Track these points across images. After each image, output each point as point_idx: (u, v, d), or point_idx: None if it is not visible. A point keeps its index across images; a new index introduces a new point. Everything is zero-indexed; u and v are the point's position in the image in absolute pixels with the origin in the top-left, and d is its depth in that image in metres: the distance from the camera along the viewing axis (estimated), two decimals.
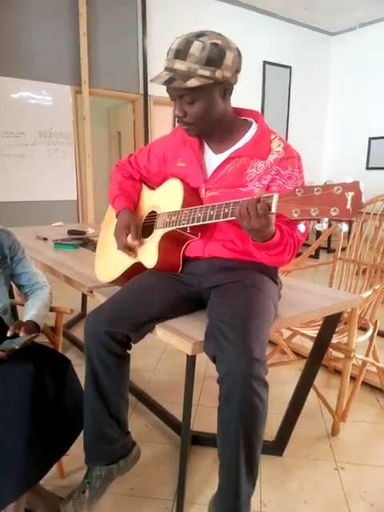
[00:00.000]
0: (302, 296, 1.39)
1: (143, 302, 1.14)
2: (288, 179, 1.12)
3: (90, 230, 2.57)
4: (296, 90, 5.98)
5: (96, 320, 1.12)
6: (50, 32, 3.96)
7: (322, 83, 6.32)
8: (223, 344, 0.95)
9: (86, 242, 2.23)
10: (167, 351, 2.43)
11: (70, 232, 2.48)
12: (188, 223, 1.12)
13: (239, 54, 1.08)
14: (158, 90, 4.70)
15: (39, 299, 1.40)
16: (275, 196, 0.90)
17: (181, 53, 1.02)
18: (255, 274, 1.17)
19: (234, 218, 0.98)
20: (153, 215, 1.31)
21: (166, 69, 1.06)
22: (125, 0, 4.36)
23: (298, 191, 0.86)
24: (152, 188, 1.41)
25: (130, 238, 1.26)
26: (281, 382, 2.06)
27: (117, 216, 1.33)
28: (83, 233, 2.49)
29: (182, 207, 1.16)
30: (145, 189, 1.42)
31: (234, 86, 1.13)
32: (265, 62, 5.58)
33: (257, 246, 1.04)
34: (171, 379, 2.13)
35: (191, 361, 1.11)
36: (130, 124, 4.90)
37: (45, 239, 2.31)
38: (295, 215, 0.86)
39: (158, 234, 1.22)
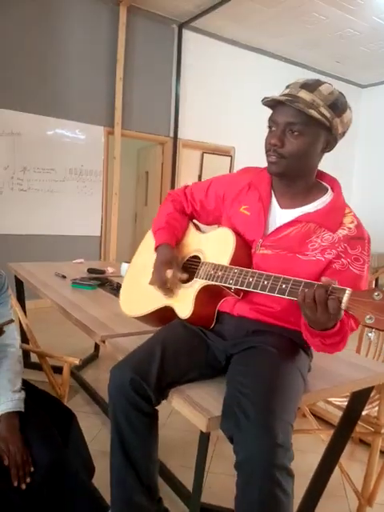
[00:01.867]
0: (329, 364, 1.26)
1: (169, 362, 1.05)
2: (354, 260, 1.02)
3: (110, 270, 2.52)
4: None
5: (120, 373, 1.03)
6: (88, 75, 4.15)
7: (351, 134, 6.29)
8: (242, 423, 0.84)
9: (104, 283, 2.18)
10: None
11: (90, 270, 2.45)
12: (235, 285, 1.02)
13: (351, 121, 1.06)
14: (188, 134, 4.81)
15: (8, 376, 1.22)
16: (347, 293, 0.81)
17: (309, 86, 1.01)
18: (285, 342, 1.07)
19: (291, 298, 0.89)
20: (195, 260, 1.22)
21: (286, 94, 1.01)
22: (161, 47, 4.56)
23: (377, 295, 0.76)
24: (199, 229, 1.33)
25: (170, 274, 1.17)
26: (300, 449, 1.88)
27: (156, 249, 1.26)
28: (102, 272, 2.45)
29: (231, 263, 1.08)
30: (192, 228, 1.34)
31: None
32: None
33: (311, 333, 0.94)
34: (181, 438, 1.98)
35: (205, 438, 0.99)
36: (159, 165, 4.99)
37: (63, 277, 2.28)
38: (369, 321, 0.76)
39: (197, 283, 1.14)
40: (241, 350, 1.08)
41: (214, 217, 1.29)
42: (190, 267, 1.22)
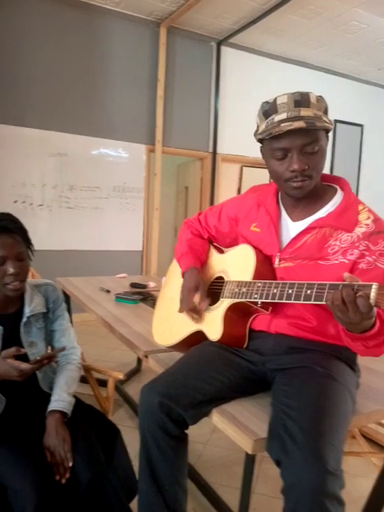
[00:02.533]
0: (380, 382, 1.20)
1: (200, 379, 1.03)
2: (380, 256, 0.98)
3: (152, 284, 2.56)
4: (368, 148, 5.85)
5: (150, 394, 1.03)
6: (130, 96, 4.30)
7: None
8: (289, 447, 0.80)
9: (146, 297, 2.22)
10: None
11: (132, 285, 2.50)
12: (260, 298, 1.01)
13: None
14: (226, 148, 4.84)
15: (64, 379, 1.29)
16: (374, 288, 0.78)
17: (302, 102, 1.00)
18: (330, 360, 1.02)
19: (318, 302, 0.87)
20: (219, 281, 1.23)
21: (290, 119, 0.98)
22: (200, 64, 4.64)
23: None
24: (220, 250, 1.34)
25: (197, 299, 1.17)
26: (350, 473, 1.78)
27: (183, 275, 1.26)
28: (144, 286, 2.49)
29: (254, 277, 1.07)
30: (213, 250, 1.36)
31: None
32: (336, 121, 5.56)
33: (351, 337, 0.91)
34: (225, 456, 1.94)
35: (250, 459, 0.97)
36: (198, 180, 5.05)
37: (108, 291, 2.34)
38: None
39: (224, 303, 1.13)
40: (283, 369, 1.05)
41: (231, 239, 1.30)
42: (216, 289, 1.22)
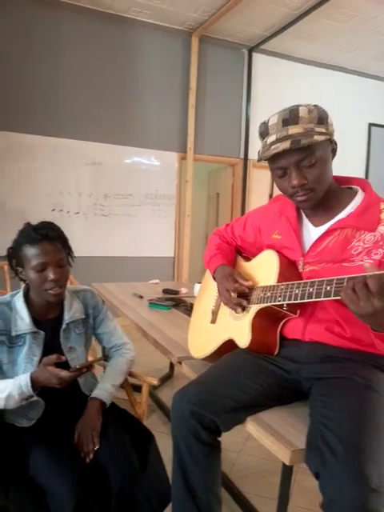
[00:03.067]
0: None
1: (232, 385, 1.03)
2: None
3: (184, 290, 2.58)
4: None
5: (182, 401, 1.03)
6: (162, 105, 4.37)
7: None
8: (329, 460, 0.78)
9: (178, 303, 2.24)
10: None
11: (165, 291, 2.52)
12: (284, 300, 1.01)
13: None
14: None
15: (113, 369, 1.36)
16: None
17: (290, 120, 1.01)
18: (368, 369, 0.99)
19: (338, 297, 0.86)
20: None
21: (278, 140, 1.00)
22: (232, 72, 4.66)
23: None
24: (247, 259, 1.35)
25: (237, 283, 1.16)
26: None
27: (214, 274, 1.28)
28: (177, 292, 2.51)
29: (278, 281, 1.07)
30: (239, 259, 1.37)
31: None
32: (370, 125, 5.41)
33: (380, 337, 0.89)
34: (259, 465, 1.91)
35: (288, 470, 0.95)
36: (229, 186, 5.05)
37: (141, 297, 2.37)
38: None
39: (251, 310, 1.13)
40: (320, 378, 1.02)
41: (256, 249, 1.30)
42: (244, 297, 1.21)
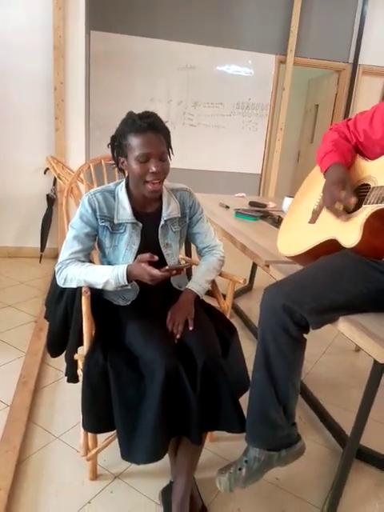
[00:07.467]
0: None
1: (330, 286, 0.99)
2: None
3: (271, 204, 2.49)
4: None
5: (276, 294, 1.02)
6: (263, 1, 3.89)
7: None
8: None
9: (265, 216, 2.17)
10: (334, 346, 2.21)
11: (252, 203, 2.46)
12: None
13: None
14: (370, 59, 4.18)
15: (206, 266, 1.39)
16: None
17: None
18: None
19: None
20: (364, 189, 1.11)
21: None
22: None
23: None
24: (368, 158, 1.20)
25: (343, 195, 1.07)
26: None
27: (325, 173, 1.17)
28: (264, 206, 2.43)
29: None
30: (359, 158, 1.22)
31: None
32: None
33: None
34: (333, 377, 1.93)
35: (378, 370, 0.92)
36: (331, 97, 4.53)
37: (227, 207, 2.34)
38: None
39: (367, 209, 1.03)
40: None
41: (381, 147, 1.12)
42: (360, 196, 1.09)
